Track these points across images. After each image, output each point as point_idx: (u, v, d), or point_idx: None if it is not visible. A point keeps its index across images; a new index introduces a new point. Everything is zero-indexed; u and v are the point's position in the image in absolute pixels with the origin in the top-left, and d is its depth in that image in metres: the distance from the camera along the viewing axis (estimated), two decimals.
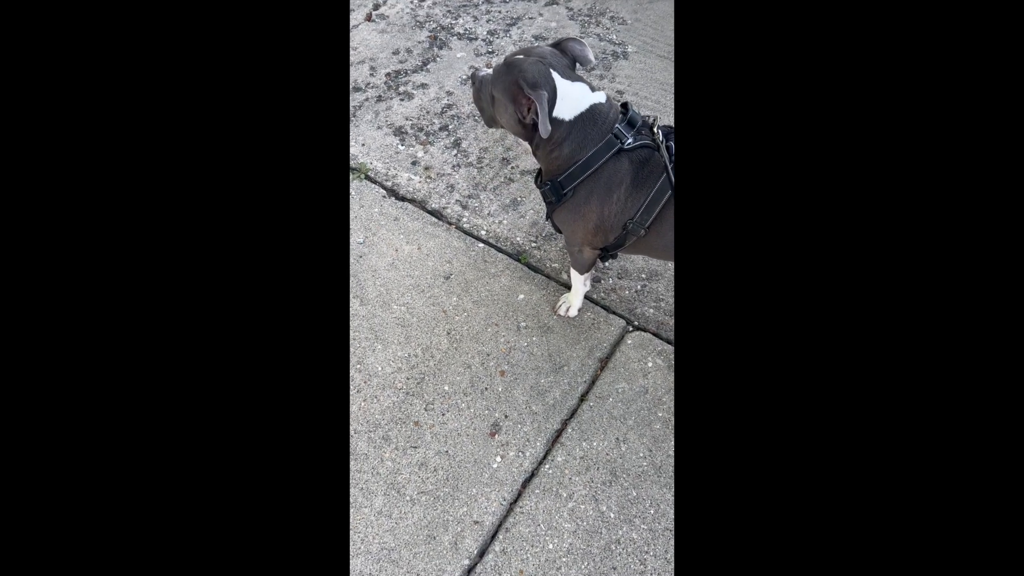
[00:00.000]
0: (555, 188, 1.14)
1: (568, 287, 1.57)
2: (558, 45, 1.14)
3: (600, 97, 1.11)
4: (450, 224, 1.73)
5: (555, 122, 1.08)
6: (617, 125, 1.10)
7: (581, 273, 1.38)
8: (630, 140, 1.09)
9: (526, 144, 1.19)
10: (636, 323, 1.51)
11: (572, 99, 1.07)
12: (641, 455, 1.28)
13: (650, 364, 1.42)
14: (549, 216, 1.23)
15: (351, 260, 1.63)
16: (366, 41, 2.36)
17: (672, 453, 1.28)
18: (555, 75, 1.08)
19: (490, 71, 1.16)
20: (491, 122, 1.20)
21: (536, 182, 1.22)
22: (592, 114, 1.09)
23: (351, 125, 2.04)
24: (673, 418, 1.32)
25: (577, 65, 1.14)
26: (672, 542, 1.17)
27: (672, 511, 1.20)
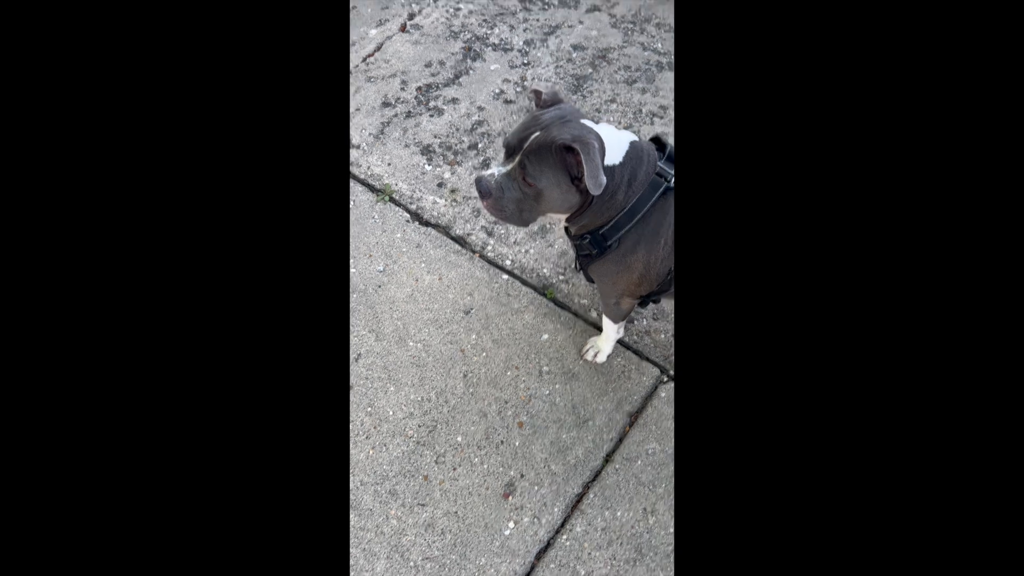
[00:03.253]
0: (597, 240, 1.00)
1: (597, 327, 1.44)
2: (541, 104, 0.99)
3: (630, 134, 0.97)
4: (474, 252, 1.63)
5: (607, 171, 0.93)
6: (659, 163, 0.96)
7: (616, 323, 1.25)
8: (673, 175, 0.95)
9: (562, 216, 1.02)
10: (671, 373, 1.37)
11: (613, 142, 0.94)
12: (672, 531, 1.14)
13: None
14: (582, 268, 1.10)
15: (370, 290, 1.56)
16: (399, 53, 2.30)
17: None
18: (586, 122, 0.95)
19: (496, 171, 0.99)
20: (527, 218, 1.01)
21: (568, 235, 1.09)
22: (636, 153, 0.96)
23: (379, 143, 1.97)
24: None
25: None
26: None
27: None
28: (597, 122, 0.99)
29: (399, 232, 1.70)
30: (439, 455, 1.26)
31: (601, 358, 1.36)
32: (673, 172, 0.96)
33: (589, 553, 1.13)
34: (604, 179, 0.89)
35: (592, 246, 1.01)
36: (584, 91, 2.13)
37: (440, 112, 2.06)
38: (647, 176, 0.95)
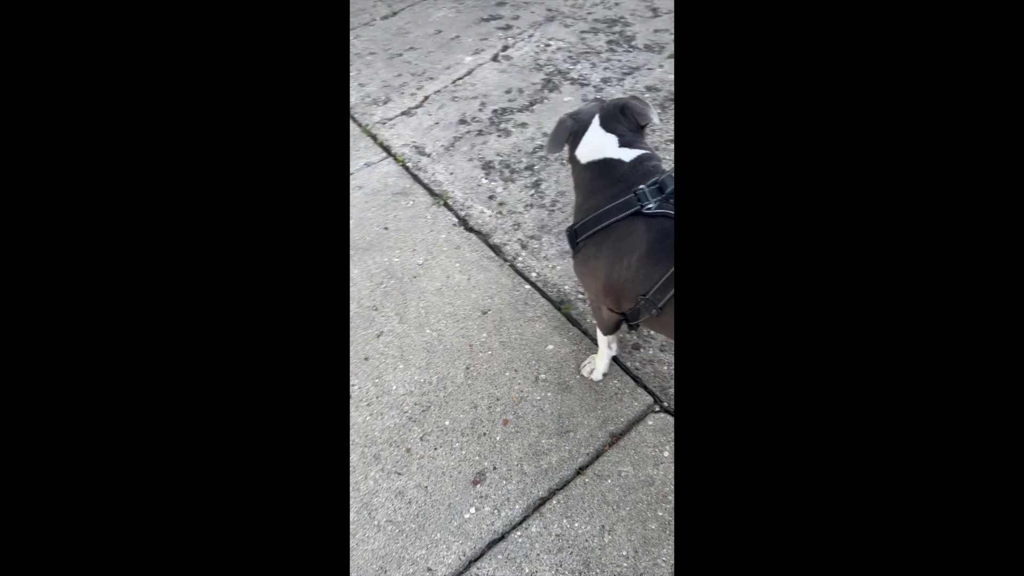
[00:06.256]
0: (570, 234, 1.11)
1: None
2: (625, 106, 1.13)
3: (626, 155, 1.04)
4: (505, 261, 1.74)
5: (574, 162, 1.13)
6: (642, 186, 1.02)
7: (604, 333, 1.28)
8: (651, 205, 1.00)
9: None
10: (664, 404, 1.36)
11: (591, 145, 1.07)
12: (624, 553, 1.13)
13: (666, 453, 1.26)
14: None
15: (406, 279, 1.71)
16: (485, 79, 2.51)
17: (660, 562, 1.11)
18: (596, 120, 1.09)
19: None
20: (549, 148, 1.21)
21: None
22: (605, 166, 1.05)
23: (447, 154, 2.16)
24: (673, 521, 1.15)
25: (648, 126, 1.15)
26: None
27: None
28: (609, 132, 1.10)
29: (444, 233, 1.85)
30: (425, 433, 1.35)
31: (596, 375, 1.39)
32: (652, 200, 1.00)
33: (538, 555, 1.15)
34: (554, 151, 1.10)
35: (568, 238, 1.10)
36: (647, 128, 2.19)
37: (508, 133, 2.22)
38: (617, 192, 1.02)
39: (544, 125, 2.23)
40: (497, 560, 1.14)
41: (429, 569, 1.14)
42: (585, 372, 1.41)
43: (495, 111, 2.33)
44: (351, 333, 1.57)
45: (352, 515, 1.23)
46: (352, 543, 1.19)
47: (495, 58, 2.63)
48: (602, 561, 1.13)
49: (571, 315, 1.57)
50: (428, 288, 1.68)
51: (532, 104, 2.35)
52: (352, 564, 1.16)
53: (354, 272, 1.74)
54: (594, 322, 1.53)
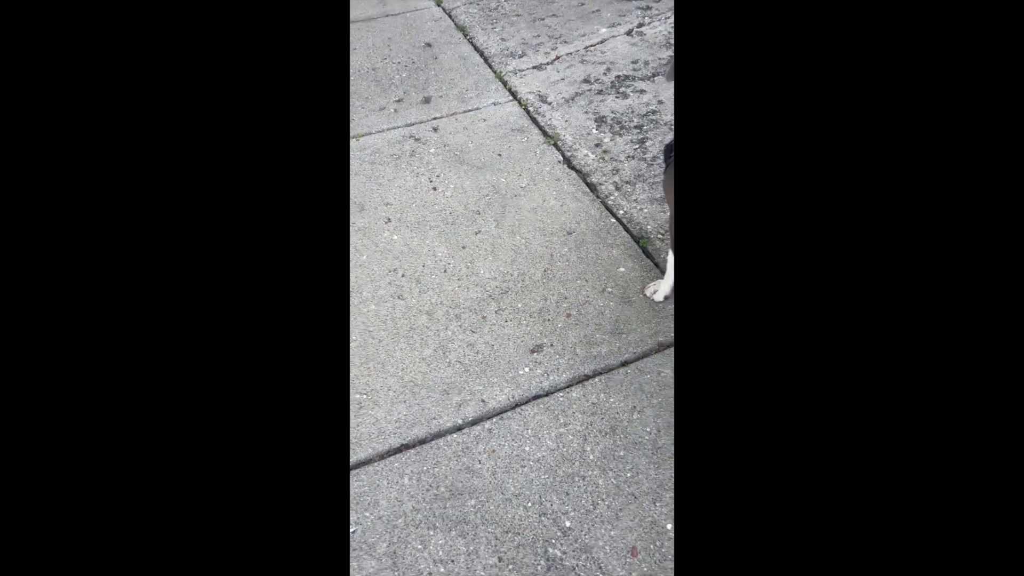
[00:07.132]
0: (666, 148, 1.26)
1: None
2: None
3: None
4: (597, 197, 1.93)
5: None
6: None
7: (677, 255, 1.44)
8: None
9: None
10: None
11: None
12: (648, 429, 1.30)
13: None
14: None
15: (508, 196, 1.96)
16: (616, 49, 2.70)
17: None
18: None
19: None
20: (668, 74, 1.35)
21: None
22: None
23: (565, 105, 2.38)
24: None
25: None
26: (631, 507, 1.17)
27: (646, 483, 1.20)
28: None
29: (548, 167, 2.08)
30: (500, 308, 1.59)
31: (659, 296, 1.55)
32: None
33: (574, 413, 1.34)
34: (672, 78, 1.16)
35: (664, 153, 1.26)
36: None
37: (625, 96, 2.40)
38: None
39: (661, 94, 2.38)
40: (539, 408, 1.36)
41: (483, 400, 1.38)
42: (648, 292, 1.57)
43: (618, 76, 2.52)
44: (456, 228, 1.85)
45: (428, 352, 1.50)
46: (425, 370, 1.46)
47: (629, 32, 2.81)
48: (628, 431, 1.30)
49: (647, 249, 1.74)
50: (525, 206, 1.91)
51: (654, 75, 2.50)
52: (423, 384, 1.43)
53: (466, 183, 2.02)
54: (667, 257, 1.69)
